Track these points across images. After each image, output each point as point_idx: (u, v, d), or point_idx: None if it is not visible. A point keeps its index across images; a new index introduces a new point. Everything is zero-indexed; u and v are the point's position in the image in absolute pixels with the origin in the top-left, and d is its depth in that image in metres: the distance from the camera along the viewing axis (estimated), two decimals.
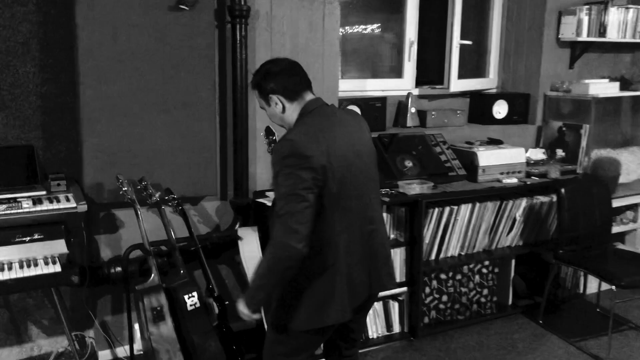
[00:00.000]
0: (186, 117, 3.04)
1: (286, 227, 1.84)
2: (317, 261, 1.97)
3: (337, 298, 2.00)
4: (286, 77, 2.03)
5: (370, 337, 3.42)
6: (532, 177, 3.77)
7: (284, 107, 2.04)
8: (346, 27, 4.01)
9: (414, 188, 3.30)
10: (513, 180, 3.66)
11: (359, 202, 2.03)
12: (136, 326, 3.10)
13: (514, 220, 3.72)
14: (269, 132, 2.91)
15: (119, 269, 2.95)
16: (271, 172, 1.99)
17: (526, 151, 3.90)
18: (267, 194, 3.21)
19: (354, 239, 2.03)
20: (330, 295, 1.99)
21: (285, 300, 2.03)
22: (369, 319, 3.40)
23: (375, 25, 4.21)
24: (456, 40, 4.06)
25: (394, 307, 3.46)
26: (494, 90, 4.52)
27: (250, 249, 3.00)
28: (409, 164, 3.47)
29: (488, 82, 4.47)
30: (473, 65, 4.49)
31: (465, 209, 3.52)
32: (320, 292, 1.99)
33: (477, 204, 3.55)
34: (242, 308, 2.00)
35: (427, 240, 3.43)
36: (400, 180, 3.37)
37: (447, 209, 3.46)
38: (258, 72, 2.08)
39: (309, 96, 2.07)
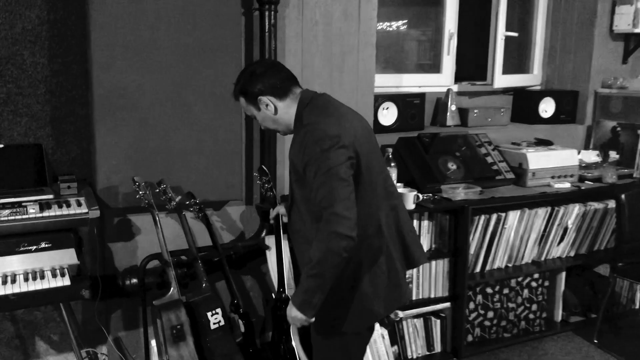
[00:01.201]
0: (209, 114, 2.75)
1: (335, 217, 1.74)
2: (365, 247, 1.91)
3: (392, 280, 1.98)
4: (272, 76, 1.95)
5: (410, 357, 3.11)
6: (586, 182, 3.43)
7: (275, 108, 1.96)
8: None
9: (459, 193, 2.98)
10: (565, 185, 3.33)
11: (381, 177, 2.00)
12: (153, 342, 2.81)
13: (566, 228, 3.39)
14: (262, 172, 2.63)
15: (134, 280, 2.67)
16: (298, 166, 1.88)
17: (578, 153, 3.56)
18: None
19: (388, 215, 2.00)
20: (384, 281, 1.96)
21: (332, 299, 1.89)
22: (408, 338, 3.08)
23: (405, 20, 3.93)
24: (501, 32, 3.73)
25: (436, 324, 3.14)
26: (538, 87, 4.18)
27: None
28: (452, 166, 3.15)
29: (532, 79, 4.13)
30: (515, 60, 4.15)
31: (513, 216, 3.19)
32: (373, 281, 1.94)
33: (527, 211, 3.23)
34: (296, 314, 1.85)
35: (471, 250, 3.11)
36: (444, 184, 3.05)
37: (494, 216, 3.14)
38: (241, 76, 1.99)
39: (298, 89, 1.99)
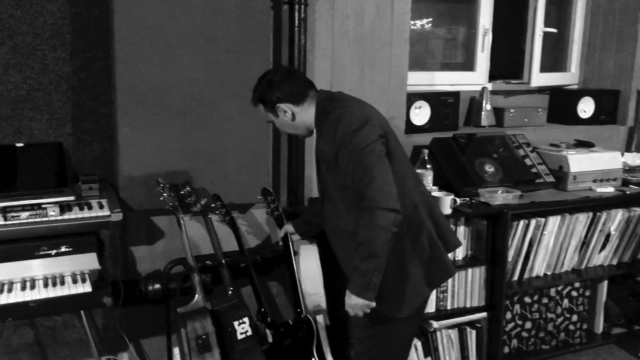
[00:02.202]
0: (235, 113, 2.63)
1: (377, 193, 1.75)
2: (405, 225, 1.91)
3: (435, 257, 1.98)
4: (289, 83, 1.99)
5: None
6: (630, 186, 3.24)
7: (293, 114, 2.00)
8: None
9: (498, 197, 2.82)
10: (609, 190, 3.15)
11: (406, 160, 2.06)
12: (175, 350, 2.70)
13: (608, 235, 3.20)
14: (266, 193, 2.55)
15: (157, 286, 2.56)
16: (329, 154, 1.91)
17: (621, 155, 3.37)
18: None
19: (420, 197, 2.00)
20: (426, 258, 1.96)
21: (380, 286, 1.84)
22: (442, 349, 2.92)
23: (430, 18, 3.78)
24: (539, 28, 3.55)
25: (471, 335, 2.97)
26: (575, 86, 3.99)
27: (309, 266, 2.57)
28: (490, 169, 2.99)
29: (569, 77, 3.94)
30: (550, 58, 3.97)
31: (553, 221, 3.02)
32: (415, 259, 1.95)
33: (567, 216, 3.05)
34: (357, 300, 1.82)
35: (509, 257, 2.94)
36: (481, 187, 2.88)
37: (533, 222, 2.96)
38: (258, 85, 2.04)
39: (313, 92, 2.04)
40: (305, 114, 2.01)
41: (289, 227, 2.51)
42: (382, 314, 1.97)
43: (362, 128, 1.83)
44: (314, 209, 2.45)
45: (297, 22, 2.69)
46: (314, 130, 2.05)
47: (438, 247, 2.01)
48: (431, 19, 3.88)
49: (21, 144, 2.39)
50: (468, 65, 3.71)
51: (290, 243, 2.54)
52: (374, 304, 1.85)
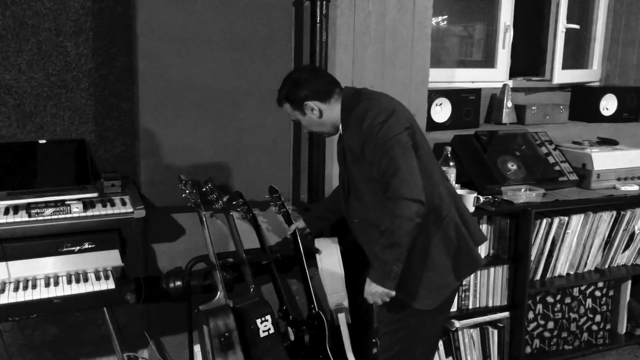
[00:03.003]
0: (257, 110, 2.61)
1: (402, 183, 1.77)
2: (432, 217, 1.91)
3: (463, 248, 1.98)
4: (315, 81, 2.01)
5: None
6: None
7: (320, 112, 2.01)
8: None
9: (521, 195, 2.78)
10: (634, 188, 3.10)
11: (432, 154, 2.06)
12: (196, 348, 2.69)
13: (632, 234, 3.16)
14: (272, 191, 2.56)
15: (178, 283, 2.54)
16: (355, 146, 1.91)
17: None
18: None
19: (446, 191, 2.00)
20: (453, 249, 1.96)
21: (404, 272, 1.85)
22: (464, 348, 2.89)
23: (445, 15, 3.73)
24: (562, 24, 3.50)
25: (493, 335, 2.94)
26: (597, 83, 3.94)
27: (330, 264, 2.55)
28: (512, 166, 2.95)
29: (591, 74, 3.89)
30: (571, 54, 3.92)
31: (576, 220, 2.98)
32: (443, 250, 1.94)
33: (591, 215, 3.01)
34: (377, 288, 1.83)
35: (532, 256, 2.90)
36: (504, 185, 2.85)
37: (556, 220, 2.93)
38: (285, 84, 2.04)
39: (338, 89, 2.05)
40: (332, 111, 2.01)
41: (299, 224, 2.51)
42: (411, 308, 1.98)
43: (388, 119, 1.85)
44: (325, 204, 2.53)
45: (318, 19, 2.66)
46: (340, 127, 2.04)
47: (465, 239, 2.01)
48: (446, 16, 3.84)
49: (44, 141, 2.40)
50: (486, 62, 3.67)
51: (299, 240, 2.52)
52: (393, 293, 1.86)
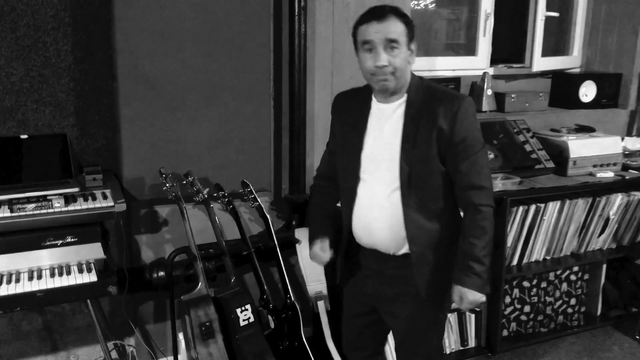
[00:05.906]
0: (236, 102, 2.66)
1: (488, 192, 1.84)
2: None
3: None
4: None
5: (443, 352, 3.00)
6: (630, 170, 3.25)
7: (411, 62, 1.83)
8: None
9: (497, 184, 2.84)
10: (609, 174, 3.16)
11: None
12: (180, 336, 2.76)
13: (607, 219, 3.23)
14: (244, 185, 2.61)
15: (161, 273, 2.61)
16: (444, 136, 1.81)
17: (621, 140, 3.38)
18: None
19: None
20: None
21: (449, 269, 1.89)
22: None
23: None
24: (541, 12, 3.53)
25: (470, 318, 3.03)
26: (577, 70, 3.98)
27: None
28: (489, 155, 3.01)
29: (571, 61, 3.93)
30: (552, 41, 3.95)
31: (553, 207, 3.04)
32: (455, 245, 1.94)
33: (567, 201, 3.07)
34: (479, 297, 1.83)
35: (508, 243, 2.98)
36: None
37: (532, 207, 2.99)
38: (400, 11, 1.79)
39: None
40: (409, 70, 1.85)
41: (324, 255, 2.08)
42: (442, 299, 1.97)
43: (479, 127, 1.85)
44: (323, 221, 2.14)
45: (297, 11, 2.68)
46: (404, 94, 1.85)
47: None
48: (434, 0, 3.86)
49: (26, 136, 2.43)
50: (470, 48, 3.70)
51: (273, 234, 2.60)
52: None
